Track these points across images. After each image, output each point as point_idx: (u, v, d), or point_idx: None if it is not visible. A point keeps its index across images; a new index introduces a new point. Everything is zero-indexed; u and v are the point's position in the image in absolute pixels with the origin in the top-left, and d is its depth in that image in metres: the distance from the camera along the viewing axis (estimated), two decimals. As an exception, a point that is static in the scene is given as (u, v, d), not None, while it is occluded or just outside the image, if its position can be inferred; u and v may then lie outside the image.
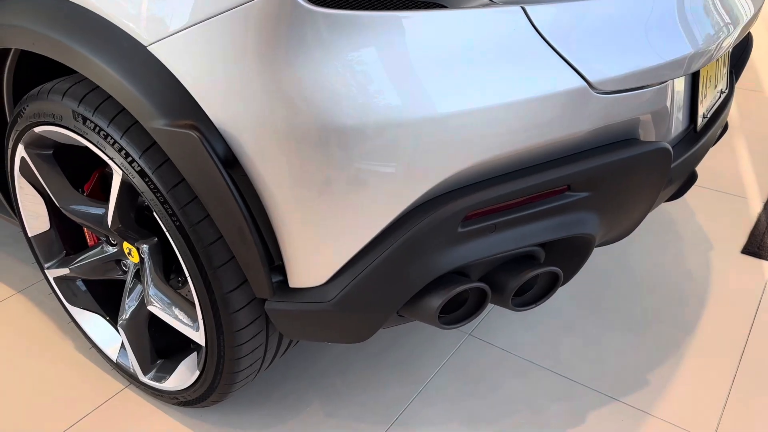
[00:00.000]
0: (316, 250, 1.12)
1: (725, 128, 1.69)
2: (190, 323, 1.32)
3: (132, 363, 1.51)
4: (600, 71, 1.07)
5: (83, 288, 1.62)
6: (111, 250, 1.50)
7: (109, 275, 1.54)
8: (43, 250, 1.61)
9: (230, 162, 1.05)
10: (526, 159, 1.11)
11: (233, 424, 1.52)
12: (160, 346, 1.53)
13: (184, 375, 1.43)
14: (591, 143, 1.15)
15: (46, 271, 1.63)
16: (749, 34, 1.81)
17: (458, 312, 1.21)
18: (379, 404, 1.56)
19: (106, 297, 1.63)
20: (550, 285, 1.23)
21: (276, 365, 1.66)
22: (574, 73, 1.06)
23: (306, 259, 1.13)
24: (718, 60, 1.48)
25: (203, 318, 1.24)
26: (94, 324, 1.62)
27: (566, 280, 1.28)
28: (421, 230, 1.07)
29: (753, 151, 2.67)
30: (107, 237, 1.50)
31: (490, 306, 1.84)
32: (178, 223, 1.15)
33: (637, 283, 1.94)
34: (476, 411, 1.54)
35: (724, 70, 1.56)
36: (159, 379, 1.48)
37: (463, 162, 1.06)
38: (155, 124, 1.05)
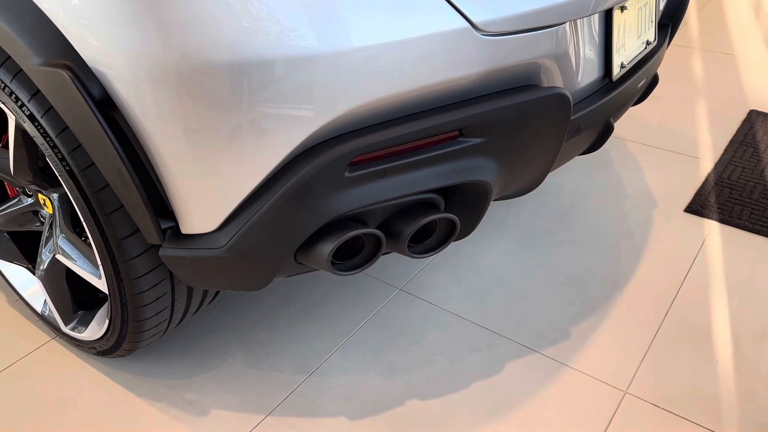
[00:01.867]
0: (202, 195, 1.11)
1: (654, 81, 1.67)
2: (93, 271, 1.32)
3: (53, 313, 1.51)
4: (485, 11, 1.05)
5: (7, 239, 1.63)
6: (28, 201, 1.49)
7: (28, 227, 1.54)
8: (-35, 202, 1.61)
9: (106, 103, 1.03)
10: (415, 103, 1.10)
11: (153, 374, 1.53)
12: (84, 298, 1.54)
13: (97, 324, 1.44)
14: (487, 88, 1.14)
15: (-30, 223, 1.63)
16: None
17: (355, 259, 1.21)
18: (301, 356, 1.58)
19: (30, 249, 1.63)
20: (449, 233, 1.23)
21: (202, 320, 1.67)
22: (456, 12, 1.03)
23: (194, 205, 1.12)
24: (641, 9, 1.45)
25: (102, 265, 1.25)
26: (20, 276, 1.63)
27: (468, 230, 1.28)
28: (306, 175, 1.07)
29: (713, 113, 2.64)
30: (23, 188, 1.50)
31: (425, 261, 1.84)
32: (68, 168, 1.15)
33: (575, 239, 1.94)
34: (394, 362, 1.55)
35: (651, 20, 1.53)
36: (78, 330, 1.49)
37: (346, 104, 1.04)
38: (31, 64, 1.04)
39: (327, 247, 1.14)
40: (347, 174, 1.09)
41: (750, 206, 2.06)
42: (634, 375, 1.51)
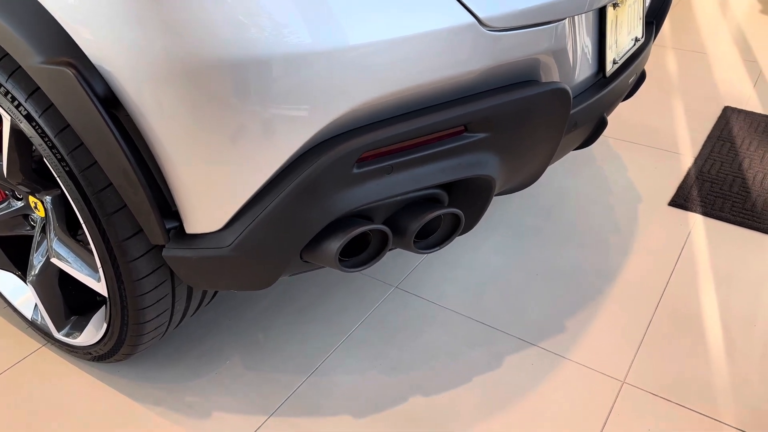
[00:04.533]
0: (208, 194, 1.10)
1: (642, 77, 1.70)
2: (92, 274, 1.29)
3: (45, 319, 1.48)
4: (490, 7, 1.07)
5: (-6, 246, 1.58)
6: (17, 204, 1.46)
7: (18, 231, 1.50)
8: (-50, 207, 1.56)
9: (111, 101, 1.02)
10: (421, 99, 1.10)
11: (150, 378, 1.51)
12: (76, 303, 1.50)
13: (94, 329, 1.41)
14: (490, 84, 1.15)
15: (-45, 229, 1.58)
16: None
17: (361, 255, 1.21)
18: (301, 356, 1.57)
19: (18, 254, 1.59)
20: (453, 227, 1.24)
21: (198, 322, 1.65)
22: (462, 8, 1.04)
23: (199, 204, 1.11)
24: (630, 6, 1.48)
25: (102, 268, 1.22)
26: (8, 282, 1.58)
27: (471, 224, 1.29)
28: (314, 172, 1.06)
29: (689, 110, 2.71)
30: (13, 191, 1.46)
31: (419, 257, 1.85)
32: (68, 169, 1.12)
33: (563, 235, 1.97)
34: (395, 359, 1.55)
35: (639, 17, 1.56)
36: (72, 335, 1.46)
37: (353, 100, 1.04)
38: (32, 62, 1.02)
39: (334, 245, 1.14)
40: (355, 170, 1.09)
41: (731, 199, 2.12)
42: (631, 365, 1.54)
